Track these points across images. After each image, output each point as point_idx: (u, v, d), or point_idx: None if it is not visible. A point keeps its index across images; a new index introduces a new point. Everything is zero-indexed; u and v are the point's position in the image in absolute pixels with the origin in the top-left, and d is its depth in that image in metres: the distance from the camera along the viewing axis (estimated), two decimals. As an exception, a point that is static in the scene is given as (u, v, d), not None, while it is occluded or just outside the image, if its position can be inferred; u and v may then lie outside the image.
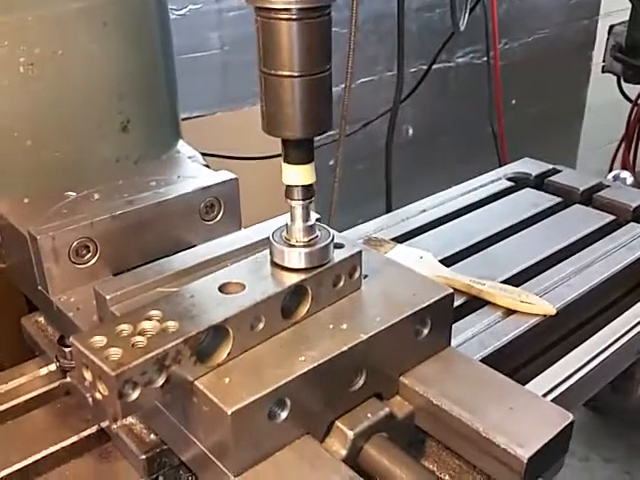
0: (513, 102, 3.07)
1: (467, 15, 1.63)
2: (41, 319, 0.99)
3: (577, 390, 0.99)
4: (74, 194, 0.96)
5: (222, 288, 0.69)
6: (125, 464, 0.83)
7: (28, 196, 0.96)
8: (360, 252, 0.75)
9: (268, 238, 0.74)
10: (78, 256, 0.87)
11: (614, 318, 1.09)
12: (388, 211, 1.85)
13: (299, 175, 0.68)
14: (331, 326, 0.70)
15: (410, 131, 2.87)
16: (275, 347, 0.68)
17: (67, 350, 0.91)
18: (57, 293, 0.86)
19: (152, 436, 0.81)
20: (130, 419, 0.83)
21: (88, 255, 0.87)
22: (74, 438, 0.86)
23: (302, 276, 0.71)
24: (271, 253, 0.73)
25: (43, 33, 0.96)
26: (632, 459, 2.35)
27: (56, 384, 0.93)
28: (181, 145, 1.27)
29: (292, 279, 0.70)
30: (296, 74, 0.63)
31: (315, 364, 0.65)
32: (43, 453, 0.84)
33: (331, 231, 0.74)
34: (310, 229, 0.72)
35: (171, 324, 0.63)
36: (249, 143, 1.83)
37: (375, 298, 0.75)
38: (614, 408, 2.23)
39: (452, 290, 0.76)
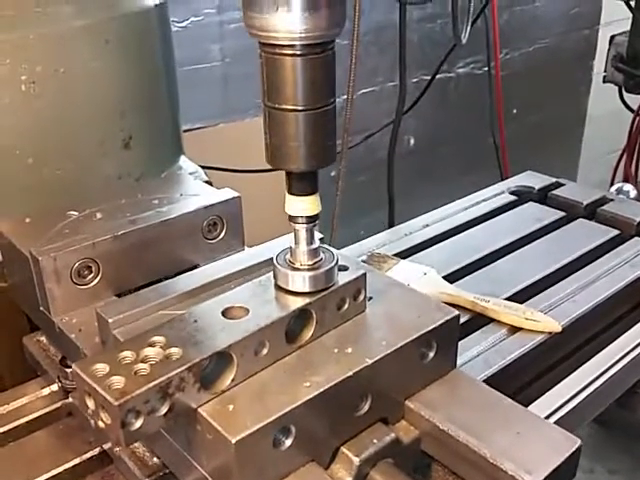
0: (514, 112, 3.07)
1: (469, 27, 1.63)
2: (43, 339, 0.99)
3: (584, 409, 0.98)
4: (76, 213, 0.95)
5: (226, 313, 0.68)
6: (128, 487, 0.83)
7: (29, 215, 0.95)
8: (364, 274, 0.74)
9: (272, 260, 0.73)
10: (80, 277, 0.86)
11: (620, 335, 1.08)
12: (390, 223, 1.84)
13: (303, 206, 0.68)
14: (336, 350, 0.70)
15: (412, 141, 2.87)
16: (279, 372, 0.67)
17: (69, 371, 0.90)
18: (59, 314, 0.85)
19: (155, 459, 0.80)
20: (132, 441, 0.82)
21: (90, 276, 0.87)
22: (76, 460, 0.85)
23: (306, 300, 0.70)
24: (275, 276, 0.73)
25: (45, 51, 0.96)
26: (636, 471, 2.34)
27: (58, 405, 0.92)
28: (183, 161, 1.27)
29: (296, 303, 0.70)
30: (300, 108, 0.63)
31: (320, 390, 0.64)
32: (45, 476, 0.83)
33: (335, 253, 0.73)
34: (314, 252, 0.71)
35: (174, 351, 0.62)
36: (251, 154, 1.82)
37: (380, 321, 0.74)
38: (618, 421, 2.22)
39: (458, 312, 0.75)
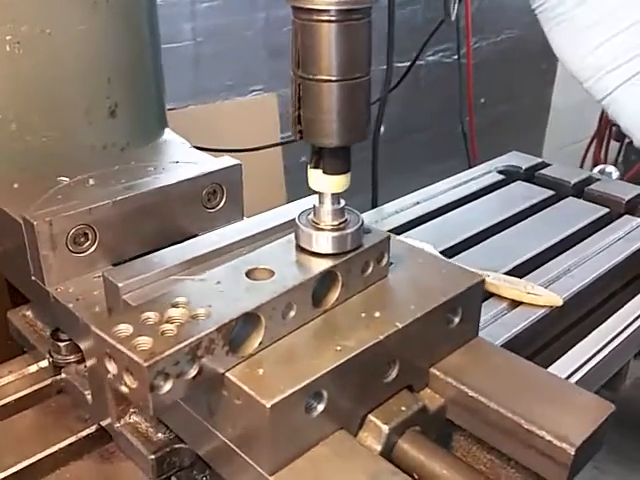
0: (482, 101, 3.08)
1: (457, 5, 1.62)
2: (29, 313, 0.93)
3: (586, 381, 0.97)
4: (67, 179, 0.90)
5: (250, 274, 0.65)
6: (130, 465, 0.78)
7: (17, 181, 0.90)
8: (389, 237, 0.72)
9: (292, 221, 0.70)
10: (76, 244, 0.81)
11: (618, 308, 1.08)
12: (374, 206, 1.81)
13: (333, 184, 0.65)
14: (363, 315, 0.66)
15: (381, 129, 2.84)
16: (307, 336, 0.64)
17: (62, 345, 0.85)
18: (53, 283, 0.80)
19: (159, 435, 0.76)
20: (134, 417, 0.78)
21: (87, 243, 0.82)
22: (72, 438, 0.81)
23: (332, 262, 0.67)
24: (297, 237, 0.69)
25: (31, 10, 0.90)
26: (601, 453, 2.37)
27: (48, 382, 0.87)
28: (168, 133, 1.22)
29: (322, 265, 0.66)
30: (335, 78, 0.60)
31: (352, 354, 0.61)
32: (39, 455, 0.78)
33: (360, 215, 0.70)
34: (340, 212, 0.68)
35: (201, 311, 0.58)
36: (221, 137, 1.79)
37: (404, 286, 0.71)
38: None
39: (482, 277, 0.73)
